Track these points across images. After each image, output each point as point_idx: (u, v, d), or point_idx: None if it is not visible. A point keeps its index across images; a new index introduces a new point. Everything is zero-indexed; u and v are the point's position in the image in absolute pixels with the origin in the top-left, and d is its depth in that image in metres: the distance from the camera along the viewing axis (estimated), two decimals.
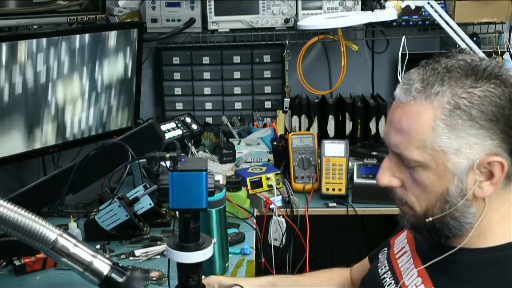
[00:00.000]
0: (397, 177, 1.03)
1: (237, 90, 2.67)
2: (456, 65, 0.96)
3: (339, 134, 2.53)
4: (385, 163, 1.04)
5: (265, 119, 2.62)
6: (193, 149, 2.35)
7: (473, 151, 0.93)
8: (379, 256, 1.24)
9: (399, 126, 0.98)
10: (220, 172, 2.23)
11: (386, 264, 1.19)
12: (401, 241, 1.21)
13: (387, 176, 1.03)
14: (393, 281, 1.12)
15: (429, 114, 0.95)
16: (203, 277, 1.19)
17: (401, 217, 1.07)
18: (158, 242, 1.73)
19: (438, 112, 0.94)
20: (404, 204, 1.04)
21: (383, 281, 1.15)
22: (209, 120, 2.68)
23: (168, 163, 1.11)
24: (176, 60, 2.63)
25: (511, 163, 0.95)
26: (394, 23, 2.34)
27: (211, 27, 2.42)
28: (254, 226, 1.83)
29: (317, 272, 1.43)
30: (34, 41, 1.83)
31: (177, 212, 1.31)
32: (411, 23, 2.35)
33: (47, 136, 1.98)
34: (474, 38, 2.35)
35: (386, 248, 1.25)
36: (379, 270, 1.20)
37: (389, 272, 1.16)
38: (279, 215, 1.92)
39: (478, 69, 0.95)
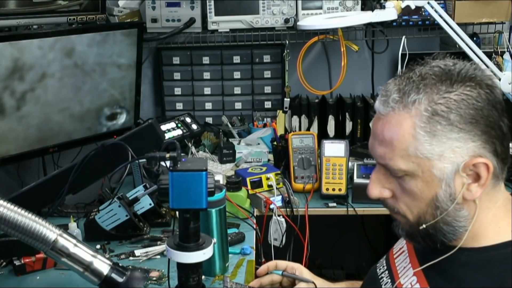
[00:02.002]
0: (387, 188, 1.04)
1: (237, 90, 2.67)
2: (431, 72, 0.97)
3: (339, 134, 2.53)
4: (373, 175, 1.06)
5: (265, 119, 2.62)
6: (193, 149, 2.35)
7: (456, 154, 0.94)
8: (381, 259, 1.25)
9: (381, 137, 1.00)
10: (220, 172, 2.23)
11: (385, 264, 1.20)
12: (401, 241, 1.21)
13: (377, 189, 1.05)
14: (389, 281, 1.13)
15: (409, 123, 0.96)
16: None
17: (395, 226, 1.08)
18: (158, 242, 1.72)
19: (417, 120, 0.95)
20: (396, 213, 1.05)
21: (381, 281, 1.16)
22: (209, 120, 2.68)
23: (168, 163, 1.11)
24: (176, 60, 2.63)
25: (497, 163, 0.96)
26: (394, 23, 2.34)
27: (211, 27, 2.42)
28: (254, 226, 1.83)
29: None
30: (35, 40, 1.83)
31: (177, 212, 1.31)
32: (411, 23, 2.35)
33: (47, 135, 1.98)
34: (474, 38, 2.35)
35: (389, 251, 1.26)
36: (378, 270, 1.20)
37: (387, 272, 1.16)
38: (279, 215, 1.92)
39: (452, 73, 0.96)
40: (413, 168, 0.97)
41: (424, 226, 1.00)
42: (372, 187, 1.05)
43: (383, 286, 1.14)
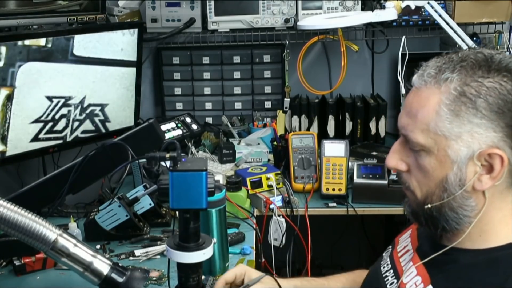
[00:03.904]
0: (404, 161, 1.05)
1: (237, 90, 2.67)
2: (472, 56, 0.97)
3: (339, 134, 2.53)
4: (394, 146, 1.07)
5: (265, 119, 2.62)
6: (193, 149, 2.35)
7: (474, 140, 0.94)
8: (383, 255, 1.25)
9: (409, 108, 1.01)
10: (220, 172, 2.23)
11: (389, 262, 1.19)
12: (405, 239, 1.21)
13: (395, 159, 1.06)
14: (395, 280, 1.12)
15: (436, 98, 0.96)
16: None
17: (405, 202, 1.09)
18: (158, 242, 1.72)
19: (444, 97, 0.96)
20: (407, 188, 1.06)
21: (385, 279, 1.15)
22: (209, 120, 2.68)
23: (168, 163, 1.11)
24: (176, 60, 2.63)
25: None
26: (394, 23, 2.34)
27: (211, 27, 2.42)
28: (254, 226, 1.83)
29: (340, 275, 1.43)
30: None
31: (177, 212, 1.31)
32: (411, 23, 2.36)
33: (47, 135, 1.98)
34: (474, 38, 2.35)
35: (390, 247, 1.25)
36: (382, 268, 1.20)
37: (391, 271, 1.16)
38: (279, 215, 1.92)
39: (492, 61, 0.96)
40: (430, 144, 0.98)
41: (429, 206, 1.01)
42: (391, 157, 1.07)
43: (388, 286, 1.13)
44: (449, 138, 0.96)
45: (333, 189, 2.03)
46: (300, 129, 2.54)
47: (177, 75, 2.64)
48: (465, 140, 0.95)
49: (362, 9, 2.39)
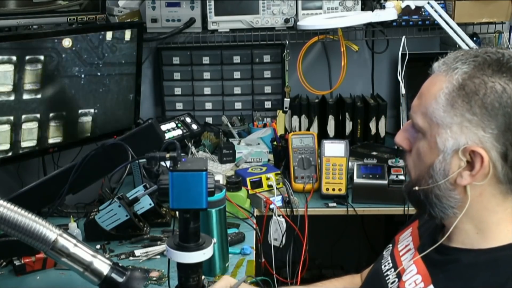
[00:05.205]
0: (409, 140, 1.08)
1: (237, 90, 2.67)
2: (489, 54, 0.98)
3: (339, 134, 2.53)
4: (405, 124, 1.11)
5: (265, 119, 2.62)
6: (193, 149, 2.35)
7: (462, 134, 0.96)
8: (384, 253, 1.25)
9: (421, 91, 1.04)
10: (220, 172, 2.23)
11: (390, 261, 1.19)
12: (406, 238, 1.21)
13: (401, 136, 1.10)
14: (396, 279, 1.12)
15: (440, 85, 0.99)
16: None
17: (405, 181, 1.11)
18: (158, 242, 1.72)
19: (445, 85, 0.98)
20: (406, 167, 1.10)
21: (386, 279, 1.15)
22: (209, 120, 2.68)
23: (168, 163, 1.11)
24: (176, 60, 2.63)
25: (502, 167, 0.95)
26: (394, 23, 2.34)
27: (211, 27, 2.42)
28: (254, 226, 1.83)
29: (328, 281, 1.44)
30: (34, 41, 1.83)
31: (177, 212, 1.31)
32: (411, 23, 2.36)
33: (46, 135, 1.98)
34: (474, 38, 2.35)
35: (390, 245, 1.25)
36: (383, 266, 1.20)
37: (392, 270, 1.16)
38: (279, 215, 1.92)
39: (505, 63, 0.96)
40: (425, 128, 1.01)
41: (417, 188, 1.04)
42: (399, 133, 1.11)
43: (389, 286, 1.13)
44: (440, 126, 0.98)
45: (333, 189, 2.03)
46: (300, 129, 2.54)
47: (177, 75, 2.64)
48: (454, 132, 0.96)
49: (362, 9, 2.39)
